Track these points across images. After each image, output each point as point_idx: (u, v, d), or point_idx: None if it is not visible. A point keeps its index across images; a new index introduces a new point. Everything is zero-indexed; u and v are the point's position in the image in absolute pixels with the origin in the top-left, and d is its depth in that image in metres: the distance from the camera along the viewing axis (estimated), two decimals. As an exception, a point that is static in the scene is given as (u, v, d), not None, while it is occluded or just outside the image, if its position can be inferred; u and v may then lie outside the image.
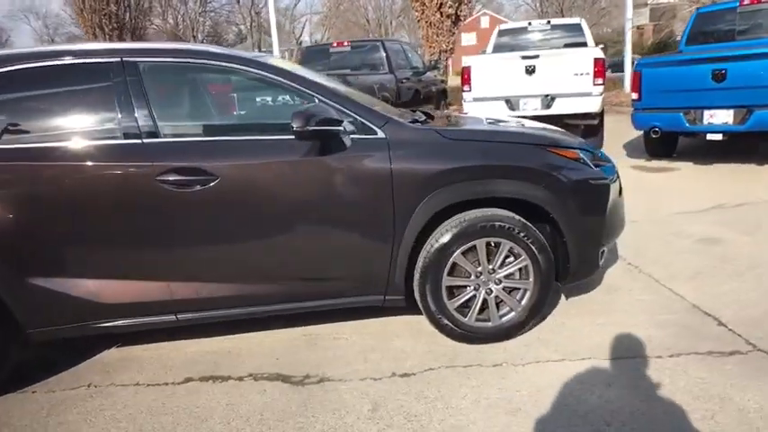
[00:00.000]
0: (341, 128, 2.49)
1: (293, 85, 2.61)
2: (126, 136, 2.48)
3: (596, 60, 7.05)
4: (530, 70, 7.28)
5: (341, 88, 2.89)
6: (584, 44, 8.57)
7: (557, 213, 2.73)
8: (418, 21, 13.57)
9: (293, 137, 2.42)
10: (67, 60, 2.54)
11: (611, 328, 2.93)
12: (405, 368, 2.69)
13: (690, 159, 6.90)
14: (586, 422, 2.20)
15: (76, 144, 2.47)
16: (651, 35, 33.89)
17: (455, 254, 2.69)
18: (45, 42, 43.83)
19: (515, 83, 7.38)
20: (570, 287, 3.34)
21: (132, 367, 2.87)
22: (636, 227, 4.49)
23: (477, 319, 2.82)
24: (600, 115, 7.50)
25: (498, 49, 9.02)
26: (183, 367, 2.84)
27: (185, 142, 2.52)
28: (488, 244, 2.72)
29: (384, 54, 8.74)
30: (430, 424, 2.26)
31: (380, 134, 2.62)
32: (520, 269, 2.78)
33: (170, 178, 2.45)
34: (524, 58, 7.33)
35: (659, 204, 5.11)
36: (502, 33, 9.18)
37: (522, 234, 2.69)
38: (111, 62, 2.52)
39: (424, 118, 3.01)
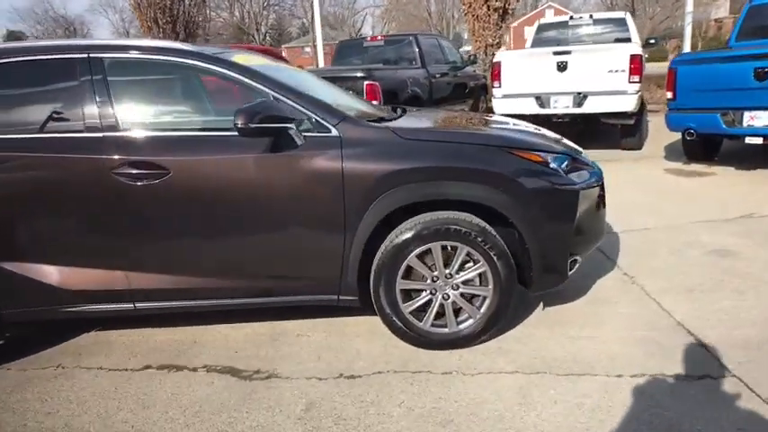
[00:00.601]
0: (288, 125, 2.48)
1: (249, 82, 2.61)
2: (88, 129, 2.57)
3: (633, 57, 6.69)
4: (561, 66, 7.00)
5: (303, 86, 2.87)
6: (627, 39, 8.15)
7: (516, 219, 2.61)
8: (465, 14, 13.31)
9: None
10: (40, 56, 2.66)
11: (581, 342, 2.78)
12: (353, 370, 2.66)
13: (731, 164, 6.43)
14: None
15: (42, 136, 2.59)
16: (730, 29, 31.91)
17: (409, 256, 2.63)
18: (121, 36, 46.27)
19: (546, 79, 7.12)
20: (552, 296, 3.20)
21: (102, 351, 2.98)
22: (646, 234, 4.26)
23: (434, 325, 2.74)
24: (637, 115, 7.12)
25: (537, 44, 8.74)
26: (147, 354, 2.92)
27: (140, 137, 2.57)
28: (445, 248, 2.64)
29: (416, 49, 8.62)
30: (355, 429, 2.23)
31: (334, 132, 2.58)
32: (479, 275, 2.68)
33: (125, 171, 2.53)
34: (556, 53, 7.05)
35: (681, 211, 4.79)
36: (542, 28, 8.88)
37: (479, 239, 2.59)
38: (79, 58, 2.62)
39: (395, 115, 2.95)
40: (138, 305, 2.75)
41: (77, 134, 2.57)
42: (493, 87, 7.59)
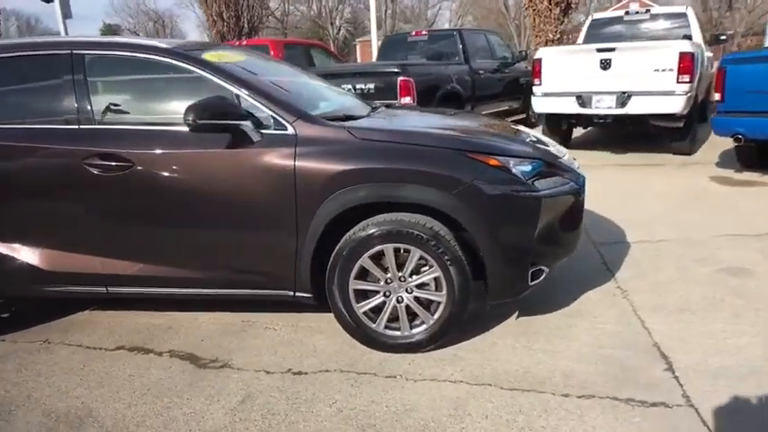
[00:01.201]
0: (241, 122, 2.53)
1: (213, 78, 2.68)
2: (66, 122, 2.75)
3: (682, 55, 6.25)
4: (605, 64, 6.66)
5: (277, 83, 2.90)
6: (688, 36, 7.62)
7: (469, 224, 2.53)
8: (525, 8, 12.92)
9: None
10: (27, 52, 2.86)
11: (541, 356, 2.66)
12: (303, 366, 2.69)
13: (791, 173, 5.89)
14: None
15: (28, 126, 2.79)
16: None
17: (362, 257, 2.61)
18: (205, 29, 48.35)
19: (588, 78, 6.80)
20: (530, 306, 3.09)
21: (86, 330, 3.18)
22: (660, 246, 4.00)
23: (388, 327, 2.72)
24: (687, 117, 6.65)
25: (590, 40, 8.35)
26: (125, 335, 3.09)
27: (108, 129, 2.71)
28: (398, 250, 2.61)
29: (459, 44, 8.48)
30: (279, 424, 2.26)
31: (290, 130, 2.61)
32: (434, 279, 2.62)
33: (94, 162, 2.68)
34: (600, 50, 6.71)
35: (709, 223, 4.45)
36: (595, 24, 8.47)
37: (432, 243, 2.53)
38: (62, 54, 2.79)
39: (365, 113, 2.92)
40: (110, 289, 2.91)
41: (57, 125, 2.75)
42: (533, 85, 7.33)
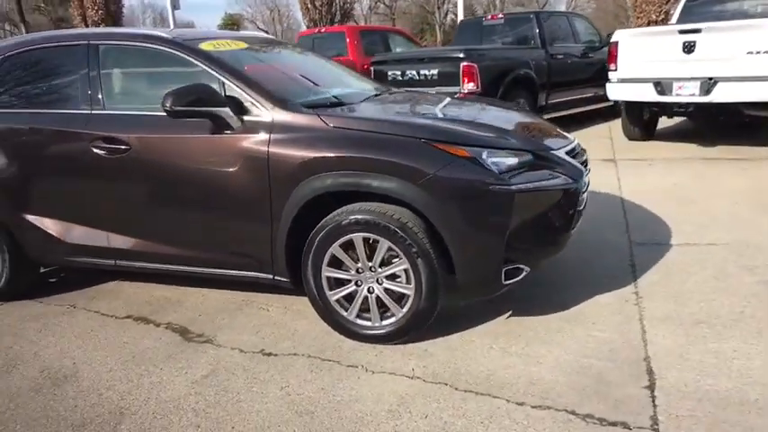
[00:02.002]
0: (218, 109, 2.61)
1: (204, 67, 2.78)
2: (80, 107, 3.00)
3: (781, 34, 5.48)
4: (688, 47, 6.02)
5: (271, 70, 2.97)
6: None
7: (433, 216, 2.43)
8: (627, -14, 11.94)
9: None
10: (52, 44, 3.15)
11: (514, 360, 2.51)
12: (276, 348, 2.75)
13: None
14: None
15: (51, 110, 3.08)
16: None
17: (333, 245, 2.61)
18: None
19: (669, 62, 6.18)
20: (527, 306, 2.94)
21: (108, 298, 3.48)
22: (705, 250, 3.61)
23: (360, 316, 2.70)
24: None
25: (684, 19, 7.57)
26: (137, 306, 3.33)
27: (112, 114, 2.92)
28: (368, 240, 2.57)
29: (536, 27, 8.05)
30: (227, 401, 2.33)
31: (267, 117, 2.65)
32: (405, 271, 2.56)
33: (99, 144, 2.90)
34: (683, 32, 6.06)
35: (777, 228, 3.91)
36: (692, 1, 7.65)
37: (399, 235, 2.47)
38: (81, 44, 3.04)
39: (360, 100, 2.89)
40: (118, 263, 3.15)
41: (73, 110, 3.01)
42: (609, 71, 6.81)
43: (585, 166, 2.90)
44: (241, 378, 2.50)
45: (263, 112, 2.66)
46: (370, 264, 2.61)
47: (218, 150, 2.71)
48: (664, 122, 7.73)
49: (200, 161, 2.75)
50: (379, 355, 2.63)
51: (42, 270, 3.67)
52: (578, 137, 3.31)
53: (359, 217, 2.52)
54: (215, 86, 2.73)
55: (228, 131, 2.67)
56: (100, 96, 2.96)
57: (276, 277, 2.83)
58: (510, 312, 2.94)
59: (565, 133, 3.12)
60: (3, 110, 3.22)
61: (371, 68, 8.16)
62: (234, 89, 2.71)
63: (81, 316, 3.26)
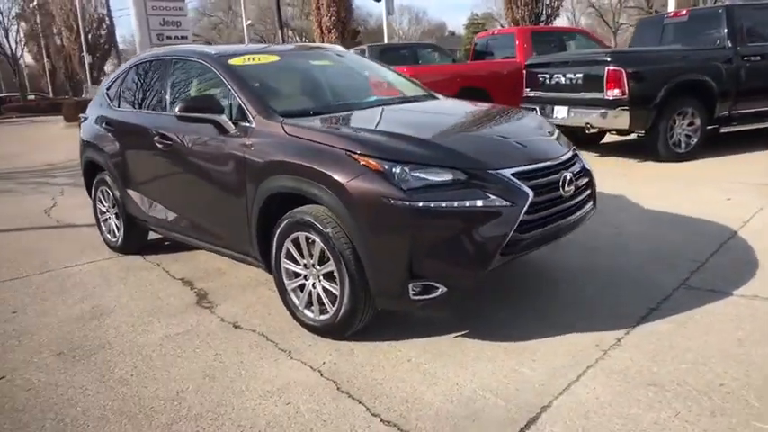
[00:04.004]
0: (214, 116, 3.10)
1: (223, 79, 3.29)
2: (158, 108, 3.81)
3: None
4: None
5: (259, 81, 3.36)
6: None
7: (344, 224, 2.55)
8: None
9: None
10: (148, 60, 4.03)
11: (415, 376, 2.50)
12: (247, 323, 3.13)
13: None
14: (234, 422, 2.31)
15: (141, 111, 3.97)
16: None
17: (287, 241, 2.90)
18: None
19: None
20: (507, 323, 2.85)
21: (183, 262, 4.27)
22: (764, 308, 2.93)
23: (307, 307, 2.94)
24: None
25: None
26: (194, 271, 4.05)
27: (166, 115, 3.62)
28: (309, 239, 2.81)
29: (725, 24, 6.81)
30: (171, 355, 2.82)
31: (252, 124, 3.05)
32: (333, 272, 2.73)
33: (159, 140, 3.66)
34: None
35: None
36: None
37: (327, 238, 2.65)
38: (160, 59, 3.86)
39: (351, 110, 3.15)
40: (172, 235, 3.92)
41: (154, 111, 3.84)
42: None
43: (583, 192, 2.71)
44: (198, 341, 2.98)
45: (249, 119, 3.07)
46: (313, 261, 2.84)
47: (217, 149, 3.21)
48: None
49: (207, 158, 3.30)
50: (311, 345, 2.86)
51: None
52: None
53: (300, 218, 2.78)
54: (227, 95, 3.24)
55: (224, 135, 3.16)
56: (162, 101, 3.73)
57: (258, 262, 3.24)
58: (465, 332, 2.87)
59: (562, 155, 2.87)
60: (121, 109, 4.24)
61: (524, 71, 7.92)
62: (236, 98, 3.18)
63: (154, 272, 4.12)
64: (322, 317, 2.86)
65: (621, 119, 6.40)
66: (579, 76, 6.77)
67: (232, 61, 3.43)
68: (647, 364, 2.47)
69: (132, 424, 2.27)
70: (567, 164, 2.85)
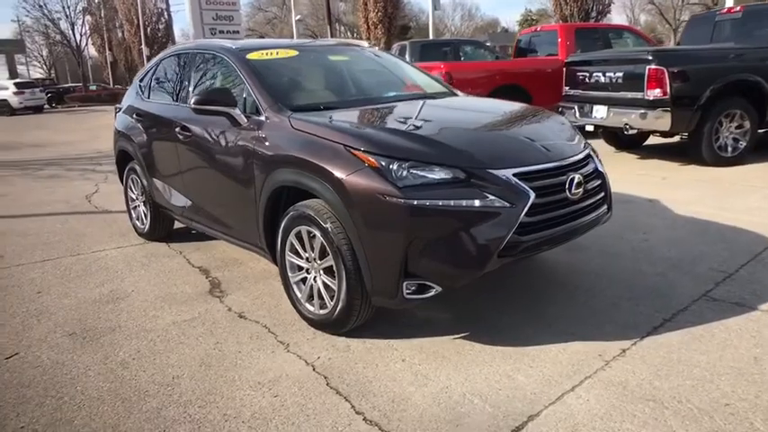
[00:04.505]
0: (227, 108, 3.14)
1: (240, 72, 3.33)
2: (181, 100, 3.89)
3: None
4: None
5: (273, 76, 3.36)
6: None
7: (341, 219, 2.53)
8: None
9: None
10: (174, 54, 4.13)
11: (407, 376, 2.47)
12: (252, 314, 3.17)
13: None
14: (221, 410, 2.35)
15: (166, 102, 4.07)
16: None
17: (290, 234, 2.91)
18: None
19: None
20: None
21: (203, 251, 4.36)
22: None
23: (308, 301, 2.95)
24: None
25: None
26: (212, 261, 4.13)
27: (186, 107, 3.69)
28: (311, 233, 2.81)
29: (781, 21, 6.40)
30: (173, 341, 2.89)
31: (263, 117, 3.07)
32: (332, 267, 2.72)
33: (180, 130, 3.74)
34: None
35: None
36: None
37: (326, 232, 2.65)
38: (184, 53, 3.94)
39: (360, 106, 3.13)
40: (192, 224, 4.01)
41: (177, 104, 3.93)
42: None
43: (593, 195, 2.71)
44: (202, 328, 3.04)
45: (261, 112, 3.10)
46: (314, 256, 2.84)
47: (230, 142, 3.25)
48: None
49: (221, 150, 3.35)
50: (310, 339, 2.86)
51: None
52: None
53: (302, 212, 2.78)
54: (243, 88, 3.28)
55: (238, 127, 3.19)
56: (182, 92, 3.81)
57: (266, 252, 3.26)
58: (466, 334, 2.82)
59: (571, 156, 2.76)
60: (150, 100, 4.37)
61: (564, 69, 7.69)
62: (251, 92, 3.21)
63: (174, 260, 4.23)
64: (321, 311, 2.86)
65: (662, 120, 6.13)
66: (619, 74, 6.51)
67: (250, 55, 3.46)
68: (650, 378, 2.35)
69: (125, 406, 2.33)
70: (576, 165, 2.74)
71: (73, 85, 45.15)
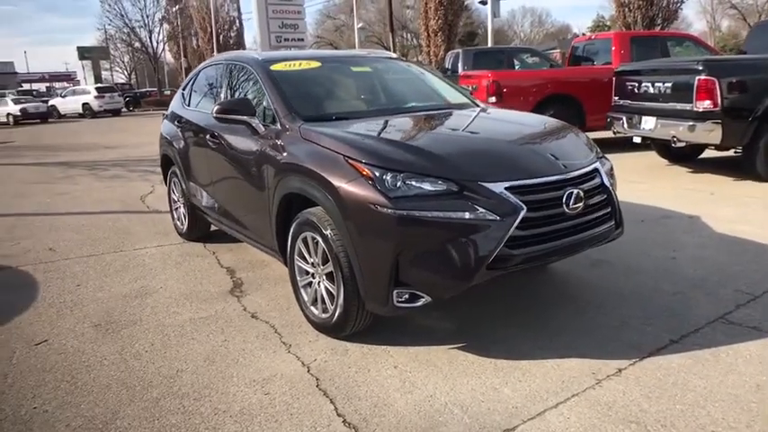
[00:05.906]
0: (245, 117, 3.30)
1: (262, 83, 3.50)
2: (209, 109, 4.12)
3: None
4: None
5: (291, 87, 3.48)
6: None
7: (337, 226, 2.62)
8: None
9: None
10: (213, 64, 4.37)
11: (395, 383, 2.52)
12: (264, 315, 3.31)
13: None
14: (213, 404, 2.50)
15: (201, 111, 4.31)
16: None
17: (298, 240, 3.03)
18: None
19: None
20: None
21: (235, 252, 4.57)
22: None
23: (313, 304, 3.05)
24: None
25: None
26: (241, 262, 4.32)
27: (214, 116, 3.90)
28: (315, 239, 2.91)
29: None
30: (185, 338, 3.07)
31: (278, 126, 3.21)
32: (332, 273, 2.81)
33: (209, 137, 3.96)
34: None
35: None
36: None
37: (326, 239, 2.75)
38: (219, 64, 4.17)
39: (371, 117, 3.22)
40: (221, 225, 4.21)
41: (206, 112, 4.15)
42: None
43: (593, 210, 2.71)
44: (215, 326, 3.20)
45: (277, 121, 3.24)
46: (318, 261, 2.95)
47: (249, 149, 3.41)
48: None
49: (242, 158, 3.52)
50: (312, 341, 2.96)
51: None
52: None
53: (307, 218, 2.89)
54: (264, 98, 3.45)
55: (256, 135, 3.36)
56: (214, 101, 4.02)
57: (280, 256, 3.40)
58: (463, 344, 2.84)
59: (572, 170, 2.73)
60: (190, 108, 4.63)
61: (613, 79, 7.47)
62: (270, 102, 3.37)
63: (206, 260, 4.46)
64: (323, 315, 2.96)
65: (713, 133, 5.85)
66: (668, 84, 6.27)
67: (273, 66, 3.63)
68: (639, 400, 2.29)
69: (128, 394, 2.51)
70: (577, 180, 2.70)
71: (149, 89, 47.82)
